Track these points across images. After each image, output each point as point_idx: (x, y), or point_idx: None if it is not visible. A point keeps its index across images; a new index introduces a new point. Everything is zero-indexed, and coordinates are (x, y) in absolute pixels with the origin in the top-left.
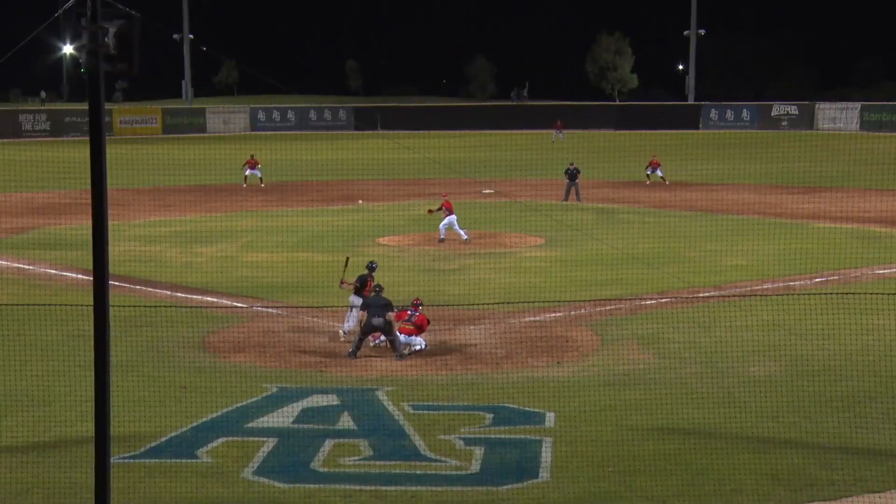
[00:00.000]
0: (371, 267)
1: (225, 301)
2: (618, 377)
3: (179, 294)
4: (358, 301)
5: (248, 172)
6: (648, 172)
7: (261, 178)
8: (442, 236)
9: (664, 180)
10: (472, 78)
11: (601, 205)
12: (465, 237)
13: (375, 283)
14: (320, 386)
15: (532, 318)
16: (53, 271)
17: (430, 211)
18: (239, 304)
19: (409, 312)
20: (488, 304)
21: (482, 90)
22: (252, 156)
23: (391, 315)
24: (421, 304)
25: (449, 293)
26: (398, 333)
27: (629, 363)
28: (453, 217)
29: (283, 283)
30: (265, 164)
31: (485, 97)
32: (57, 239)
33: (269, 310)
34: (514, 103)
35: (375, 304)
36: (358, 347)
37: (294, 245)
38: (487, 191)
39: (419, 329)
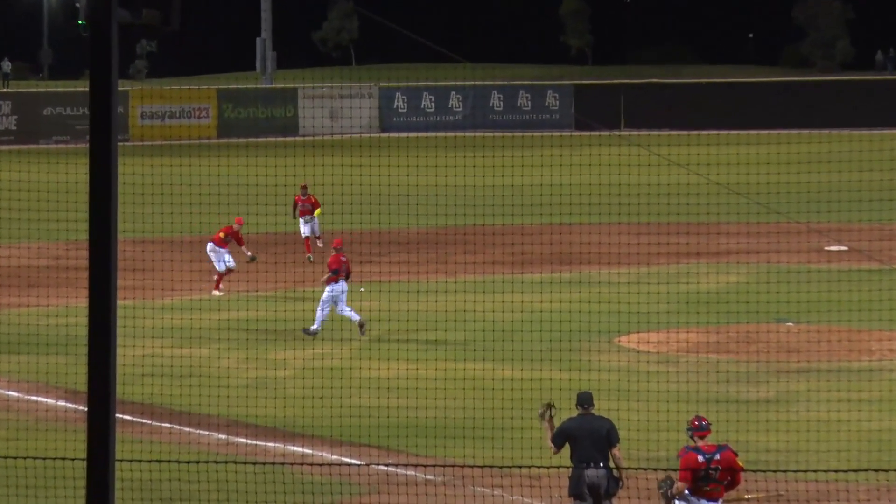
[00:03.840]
0: None
1: (327, 455)
2: None
3: (242, 440)
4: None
5: (303, 225)
6: None
7: (315, 237)
8: (315, 325)
9: None
10: (806, 28)
11: None
12: (356, 319)
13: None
14: None
15: None
16: (14, 393)
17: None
18: (354, 462)
19: (699, 456)
20: (841, 471)
21: (827, 52)
22: (304, 187)
23: (618, 455)
24: (709, 426)
25: (761, 445)
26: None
27: None
28: (339, 287)
29: (438, 420)
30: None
31: (832, 65)
32: (21, 334)
33: (413, 473)
34: (886, 76)
35: (587, 432)
36: None
37: (459, 346)
38: (834, 247)
39: (732, 483)
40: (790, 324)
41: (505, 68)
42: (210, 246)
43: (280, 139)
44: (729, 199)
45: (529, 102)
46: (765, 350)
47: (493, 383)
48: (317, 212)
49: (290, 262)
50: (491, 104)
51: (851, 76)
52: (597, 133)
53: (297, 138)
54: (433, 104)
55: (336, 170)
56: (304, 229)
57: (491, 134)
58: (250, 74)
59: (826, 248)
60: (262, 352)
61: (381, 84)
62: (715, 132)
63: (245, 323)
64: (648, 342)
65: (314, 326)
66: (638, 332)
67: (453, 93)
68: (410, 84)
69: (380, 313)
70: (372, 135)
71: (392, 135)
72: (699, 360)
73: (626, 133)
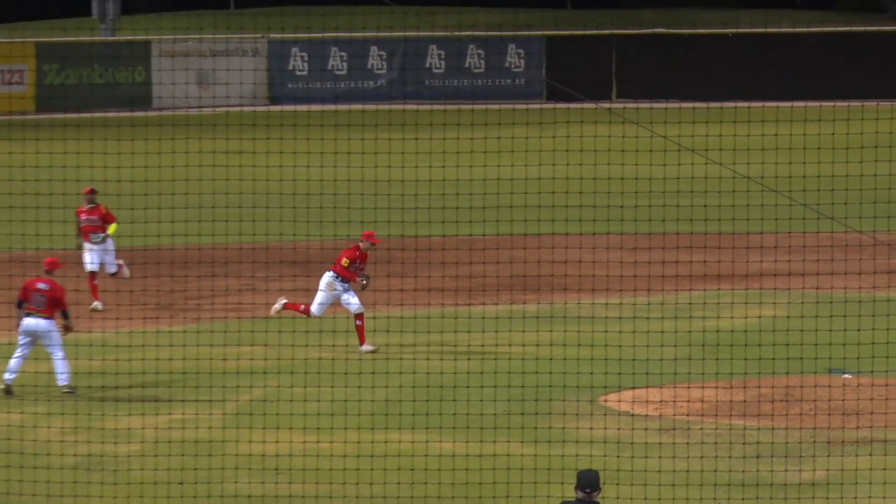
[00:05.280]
0: None
1: None
2: None
3: None
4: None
5: (88, 252)
6: None
7: (114, 267)
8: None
9: None
10: None
11: None
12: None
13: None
14: None
15: None
16: None
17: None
18: None
19: None
20: None
21: None
22: (92, 192)
23: None
24: None
25: None
26: None
27: None
28: (35, 325)
29: None
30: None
31: None
32: None
33: None
34: None
35: None
36: None
37: (378, 409)
38: None
39: None
40: (847, 375)
41: (449, 13)
42: (328, 279)
43: (126, 114)
44: (764, 199)
45: (483, 62)
46: (812, 413)
47: (426, 461)
48: (111, 228)
49: (138, 288)
50: (428, 64)
51: None
52: (578, 105)
53: (151, 113)
54: (345, 64)
55: (205, 158)
56: (91, 258)
57: (427, 107)
58: (84, 22)
59: None
60: (98, 418)
61: (272, 35)
62: (745, 104)
63: (74, 377)
64: (648, 402)
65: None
66: (633, 389)
67: (374, 48)
68: (313, 35)
69: (266, 363)
70: (258, 108)
71: (286, 108)
72: (719, 427)
73: (620, 106)
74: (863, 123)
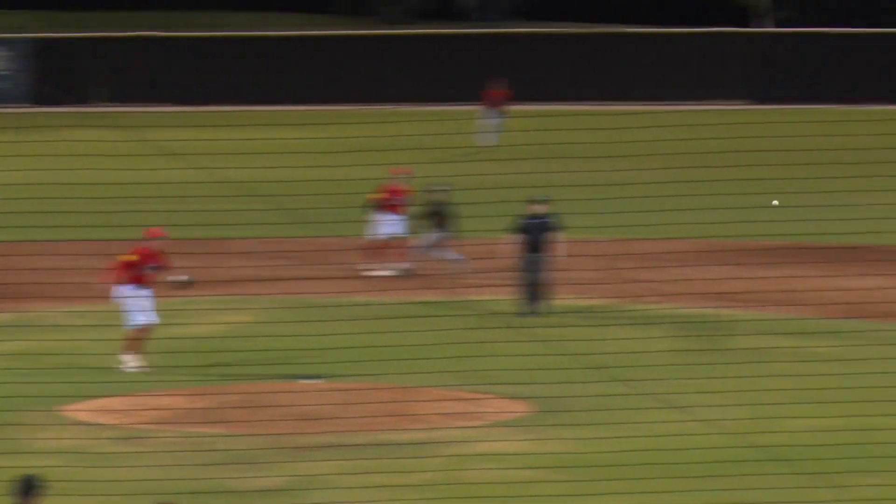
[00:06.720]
0: None
1: None
2: None
3: None
4: None
5: None
6: None
7: None
8: None
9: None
10: None
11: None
12: None
13: None
14: None
15: None
16: None
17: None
18: None
19: None
20: None
21: None
22: None
23: None
24: None
25: None
26: None
27: None
28: None
29: None
30: None
31: (397, 11)
32: None
33: None
34: (476, 28)
35: None
36: None
37: None
38: (381, 272)
39: None
40: (317, 381)
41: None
42: (128, 293)
43: None
44: (239, 204)
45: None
46: (274, 419)
47: None
48: None
49: None
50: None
51: (426, 29)
52: (67, 109)
53: None
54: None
55: None
56: None
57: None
58: None
59: (366, 273)
60: None
61: None
62: (248, 108)
63: None
64: (110, 411)
65: None
66: (96, 398)
67: (21, 46)
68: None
69: None
70: None
71: None
72: (179, 435)
73: (110, 110)
74: (348, 127)
